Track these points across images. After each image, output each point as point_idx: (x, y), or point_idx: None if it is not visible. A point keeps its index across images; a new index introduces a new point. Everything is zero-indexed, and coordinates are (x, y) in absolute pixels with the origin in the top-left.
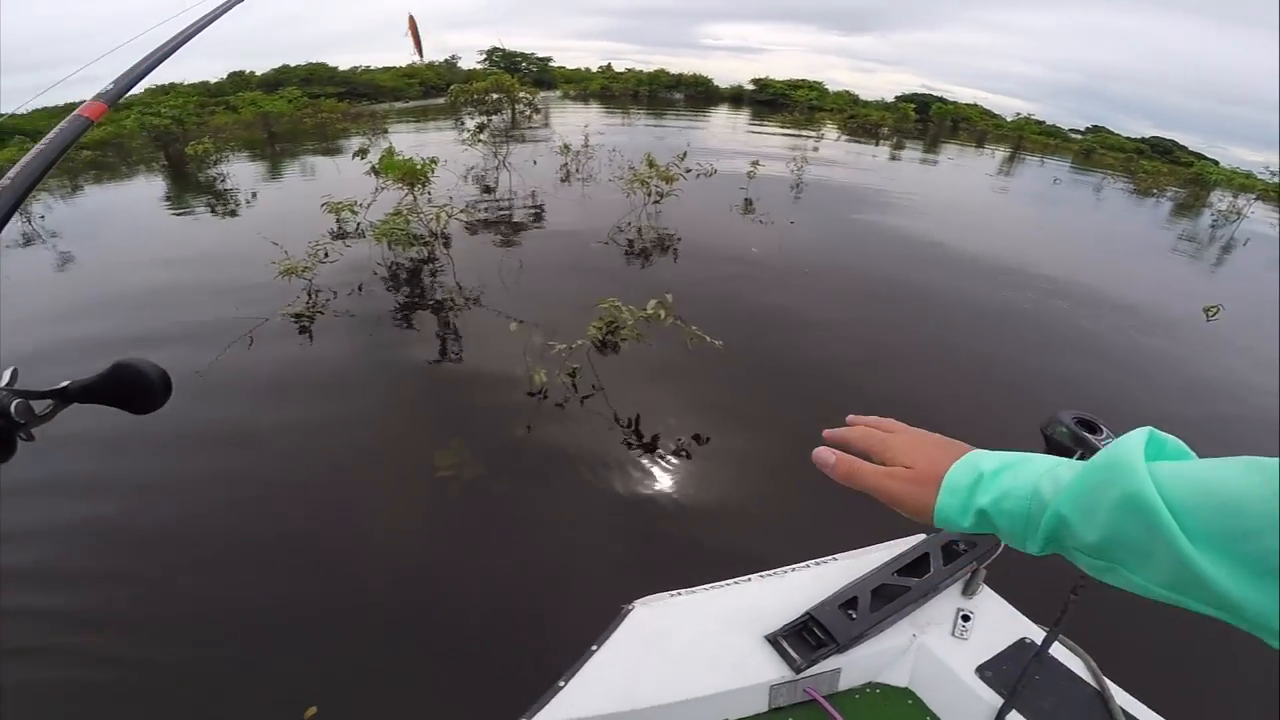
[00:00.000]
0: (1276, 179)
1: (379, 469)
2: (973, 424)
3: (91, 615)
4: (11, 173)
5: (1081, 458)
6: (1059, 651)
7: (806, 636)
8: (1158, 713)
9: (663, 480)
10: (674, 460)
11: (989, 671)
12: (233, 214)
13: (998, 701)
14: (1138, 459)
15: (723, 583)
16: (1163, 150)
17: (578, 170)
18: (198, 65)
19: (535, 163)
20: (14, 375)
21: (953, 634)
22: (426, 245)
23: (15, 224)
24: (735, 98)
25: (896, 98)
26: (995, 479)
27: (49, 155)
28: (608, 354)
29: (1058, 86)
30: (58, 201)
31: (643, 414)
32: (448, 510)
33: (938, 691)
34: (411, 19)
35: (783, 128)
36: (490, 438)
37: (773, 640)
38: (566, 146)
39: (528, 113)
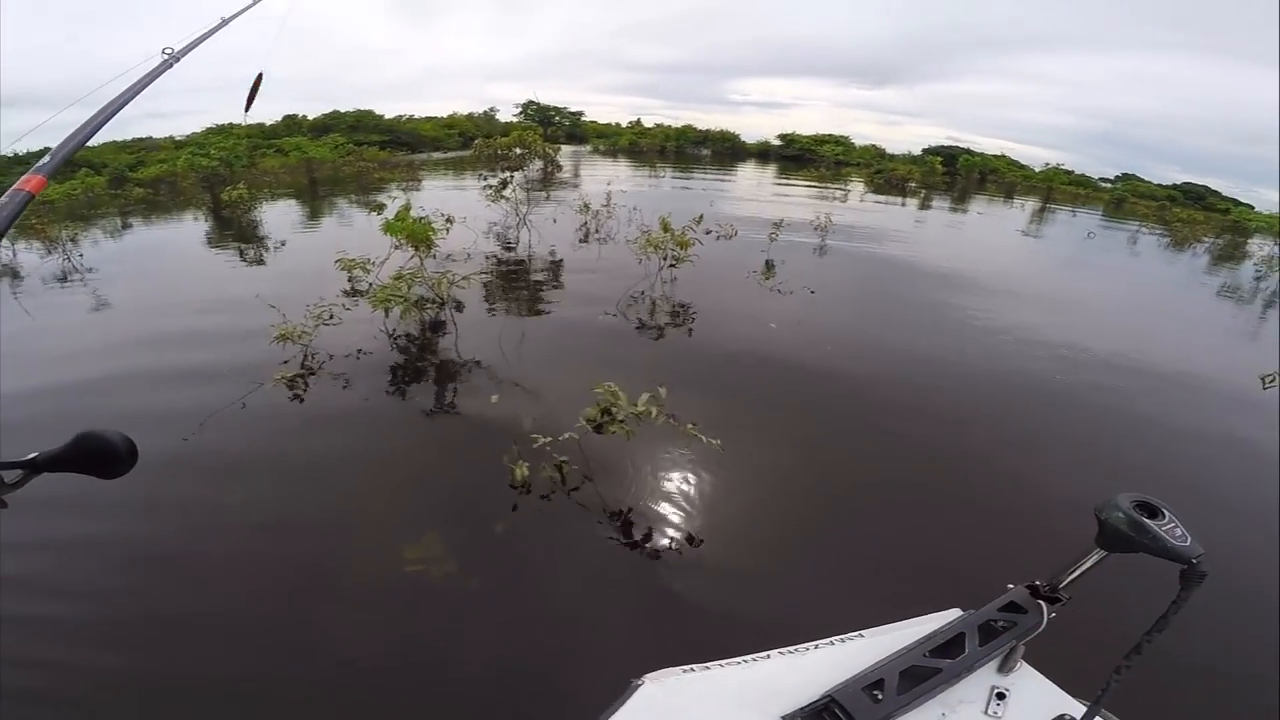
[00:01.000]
0: None
1: (342, 558)
2: (1029, 528)
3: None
4: None
5: (1141, 547)
6: None
7: (826, 719)
8: None
9: (653, 580)
10: (667, 560)
11: None
12: (259, 262)
13: None
14: None
15: (739, 659)
16: (1195, 196)
17: (597, 229)
18: (261, 106)
19: (555, 221)
20: None
21: (985, 713)
22: (432, 309)
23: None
24: (762, 153)
25: (923, 150)
26: None
27: None
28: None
29: (1084, 134)
30: (106, 238)
31: (635, 508)
32: (413, 605)
33: None
34: (259, 77)
35: (809, 183)
36: (467, 531)
37: None
38: (586, 205)
39: (549, 169)
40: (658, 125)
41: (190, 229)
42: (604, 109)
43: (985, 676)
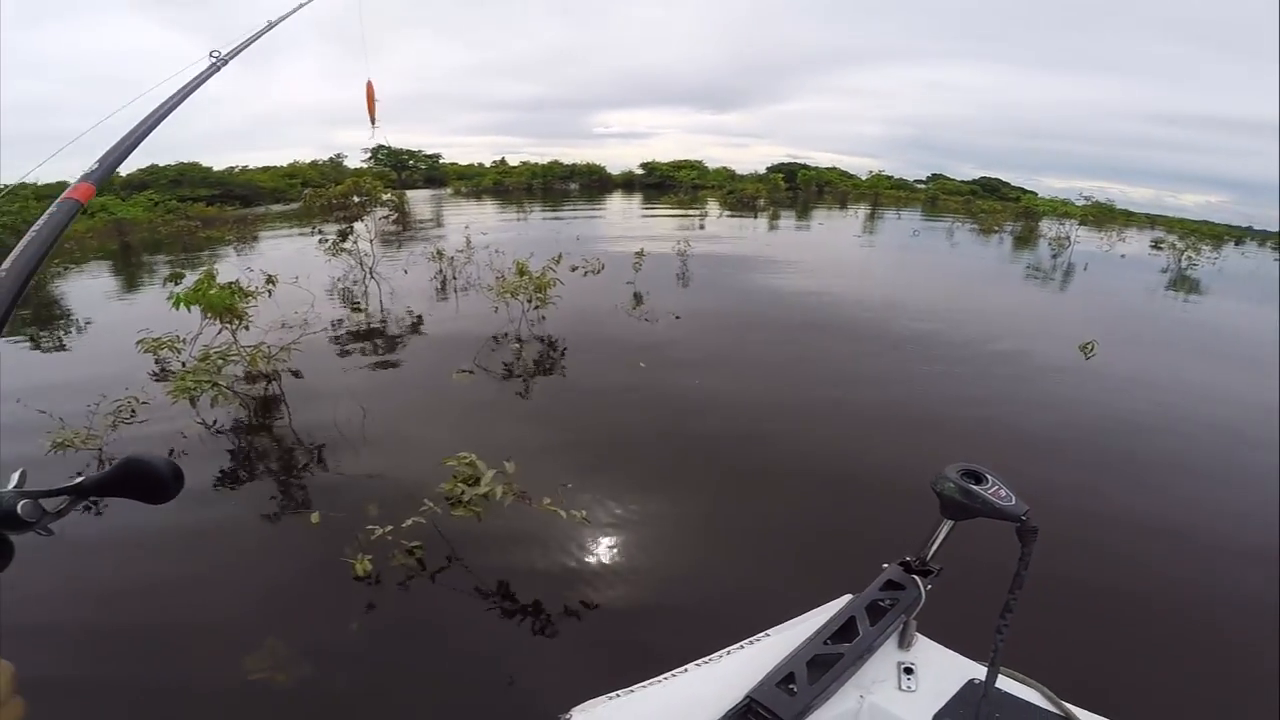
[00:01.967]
0: (1084, 202)
1: (168, 677)
2: (876, 486)
3: None
4: (5, 264)
5: (976, 512)
6: (1013, 686)
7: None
8: None
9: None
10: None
11: (946, 718)
12: (60, 348)
13: None
14: None
15: (660, 678)
16: (991, 189)
17: (454, 276)
18: (53, 166)
19: (406, 272)
20: (23, 476)
21: (899, 688)
22: (260, 384)
23: None
24: (627, 183)
25: (767, 169)
26: None
27: (42, 242)
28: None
29: (899, 141)
30: None
31: (513, 579)
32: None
33: None
34: (370, 85)
35: (671, 209)
36: (315, 632)
37: None
38: (439, 252)
39: (401, 216)
40: (523, 163)
41: None
42: (466, 150)
43: (889, 654)
